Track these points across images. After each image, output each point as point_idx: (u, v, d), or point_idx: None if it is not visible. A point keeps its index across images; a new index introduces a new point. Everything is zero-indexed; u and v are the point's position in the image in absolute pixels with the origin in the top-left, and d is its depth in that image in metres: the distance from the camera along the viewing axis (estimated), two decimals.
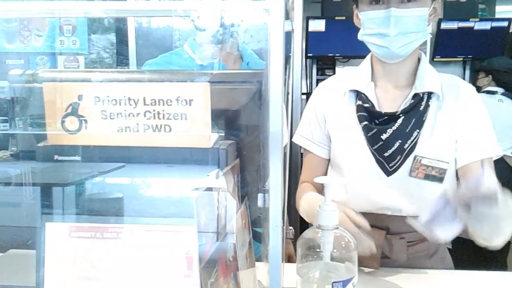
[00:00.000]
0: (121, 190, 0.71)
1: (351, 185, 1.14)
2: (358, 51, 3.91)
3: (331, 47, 3.42)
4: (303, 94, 3.61)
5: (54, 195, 0.68)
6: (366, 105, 1.12)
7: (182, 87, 0.61)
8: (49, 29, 3.00)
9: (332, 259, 0.73)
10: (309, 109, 1.25)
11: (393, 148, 1.09)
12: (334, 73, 3.68)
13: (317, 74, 3.74)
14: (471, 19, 3.38)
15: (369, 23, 1.07)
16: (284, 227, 1.00)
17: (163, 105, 0.61)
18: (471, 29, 3.40)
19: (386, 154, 1.09)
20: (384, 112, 1.11)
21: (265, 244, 0.48)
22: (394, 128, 1.09)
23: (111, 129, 0.61)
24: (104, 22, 3.28)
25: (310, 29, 3.36)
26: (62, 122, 0.61)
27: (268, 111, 0.49)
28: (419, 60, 1.16)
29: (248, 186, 0.72)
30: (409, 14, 1.02)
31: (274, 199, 0.46)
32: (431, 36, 1.05)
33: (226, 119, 0.69)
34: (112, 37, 3.29)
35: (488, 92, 2.87)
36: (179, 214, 0.60)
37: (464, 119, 1.12)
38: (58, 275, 0.62)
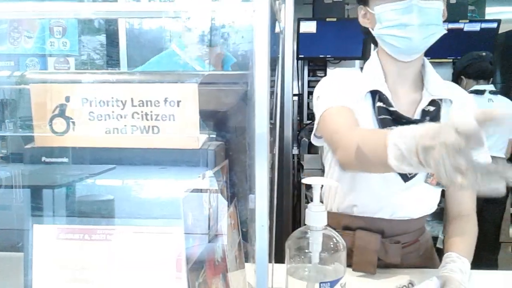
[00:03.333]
0: (111, 192, 0.71)
1: (366, 189, 1.12)
2: (349, 52, 3.93)
3: (322, 49, 3.44)
4: (294, 95, 3.62)
5: (44, 197, 0.67)
6: (392, 108, 1.07)
7: (170, 88, 0.61)
8: (39, 31, 2.98)
9: (321, 259, 0.74)
10: (336, 82, 1.15)
11: None
12: (325, 74, 3.69)
13: (308, 76, 3.76)
14: (460, 21, 3.41)
15: (388, 15, 1.04)
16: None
17: (151, 106, 0.61)
18: (460, 30, 3.43)
19: None
20: (414, 119, 1.08)
21: (252, 244, 0.48)
22: None
23: (99, 130, 0.61)
24: (94, 24, 3.26)
25: (301, 31, 3.37)
26: (50, 123, 0.61)
27: (254, 113, 0.49)
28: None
29: (237, 187, 0.73)
30: (430, 6, 1.02)
31: (260, 199, 0.46)
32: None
33: (214, 120, 0.69)
34: (103, 38, 3.28)
35: (477, 92, 2.84)
36: (168, 215, 0.60)
37: None
38: (46, 278, 0.62)
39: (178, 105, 0.61)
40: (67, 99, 0.61)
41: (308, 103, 3.76)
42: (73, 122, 0.61)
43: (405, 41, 1.04)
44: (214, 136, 0.69)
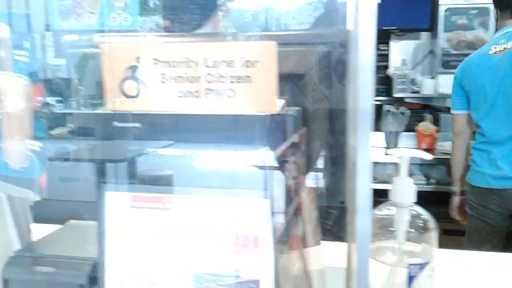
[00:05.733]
0: (183, 163, 0.68)
1: None
2: (415, 23, 3.68)
3: (386, 20, 3.24)
4: None
5: (112, 170, 0.65)
6: None
7: (245, 47, 0.55)
8: (101, 7, 3.04)
9: (408, 239, 0.67)
10: None
11: None
12: (388, 48, 3.49)
13: None
14: None
15: None
16: None
17: (226, 67, 0.56)
18: None
19: None
20: None
21: (350, 214, 0.42)
22: None
23: (171, 94, 0.57)
24: (149, 4, 3.28)
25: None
26: (121, 86, 0.58)
27: (355, 87, 0.43)
28: None
29: (315, 158, 0.67)
30: None
31: (362, 178, 0.40)
32: None
33: (293, 84, 0.63)
34: (158, 19, 3.30)
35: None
36: (247, 187, 0.55)
37: None
38: (119, 245, 0.60)
39: (254, 66, 0.55)
40: (138, 60, 0.57)
41: None
42: (144, 85, 0.57)
43: None
44: (291, 101, 0.64)
